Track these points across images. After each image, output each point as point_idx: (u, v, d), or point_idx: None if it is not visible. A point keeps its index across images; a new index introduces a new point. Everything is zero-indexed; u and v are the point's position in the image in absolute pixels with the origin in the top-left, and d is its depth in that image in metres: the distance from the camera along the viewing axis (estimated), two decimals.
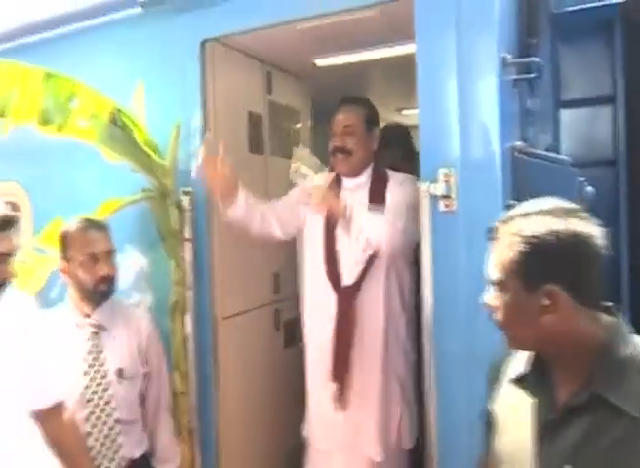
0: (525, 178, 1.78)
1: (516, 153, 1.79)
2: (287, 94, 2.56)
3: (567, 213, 0.93)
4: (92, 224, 1.74)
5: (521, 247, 0.92)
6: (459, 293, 1.61)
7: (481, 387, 1.13)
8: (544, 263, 0.92)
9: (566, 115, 2.30)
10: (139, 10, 2.09)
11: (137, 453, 1.74)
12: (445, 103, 1.63)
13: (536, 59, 1.81)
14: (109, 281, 1.72)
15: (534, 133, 2.04)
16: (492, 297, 1.00)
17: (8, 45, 2.37)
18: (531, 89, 2.03)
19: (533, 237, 0.91)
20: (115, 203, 1.90)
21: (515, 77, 1.80)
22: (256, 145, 2.34)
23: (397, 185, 1.98)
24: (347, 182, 2.04)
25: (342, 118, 1.99)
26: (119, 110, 1.87)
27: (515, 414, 1.00)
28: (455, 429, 1.62)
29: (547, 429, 0.93)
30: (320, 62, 2.43)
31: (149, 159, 1.91)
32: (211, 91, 2.06)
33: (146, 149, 1.90)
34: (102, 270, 1.69)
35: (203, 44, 2.01)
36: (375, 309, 1.94)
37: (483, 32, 1.59)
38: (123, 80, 2.08)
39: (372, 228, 1.84)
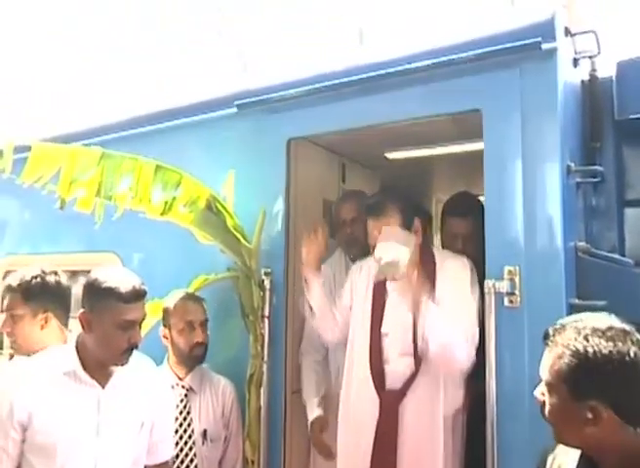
0: (588, 278, 1.87)
1: (579, 253, 1.89)
2: (359, 183, 2.77)
3: (619, 334, 0.96)
4: (191, 297, 2.06)
5: (570, 360, 0.97)
6: (522, 388, 1.67)
7: None
8: (590, 381, 0.95)
9: (631, 214, 2.37)
10: (234, 110, 2.38)
11: None
12: (510, 204, 1.76)
13: (599, 168, 1.94)
14: (202, 347, 1.98)
15: (598, 232, 2.11)
16: (541, 392, 1.07)
17: (115, 135, 2.71)
18: (594, 190, 2.14)
19: (582, 354, 0.96)
20: (204, 279, 2.12)
21: (579, 180, 1.94)
22: (330, 230, 2.54)
23: (457, 270, 1.92)
24: None
25: (376, 228, 1.90)
26: (214, 197, 2.12)
27: None
28: None
29: None
30: (390, 155, 2.64)
31: (237, 242, 2.13)
32: (293, 181, 2.29)
33: (235, 233, 2.12)
34: (198, 337, 2.00)
35: (289, 141, 2.27)
36: (425, 419, 1.83)
37: (547, 141, 1.73)
38: (215, 170, 2.34)
39: (447, 336, 1.76)
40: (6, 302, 1.86)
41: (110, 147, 2.05)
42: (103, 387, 1.60)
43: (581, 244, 1.91)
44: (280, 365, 2.15)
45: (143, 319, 1.63)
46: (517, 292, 1.73)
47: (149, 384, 1.71)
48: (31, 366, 1.64)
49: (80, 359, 1.59)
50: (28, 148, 1.91)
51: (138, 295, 1.59)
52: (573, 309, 1.73)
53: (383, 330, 1.92)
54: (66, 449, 1.53)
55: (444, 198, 3.39)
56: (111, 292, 1.57)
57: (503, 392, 1.71)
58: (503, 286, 1.74)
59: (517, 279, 1.73)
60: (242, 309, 2.15)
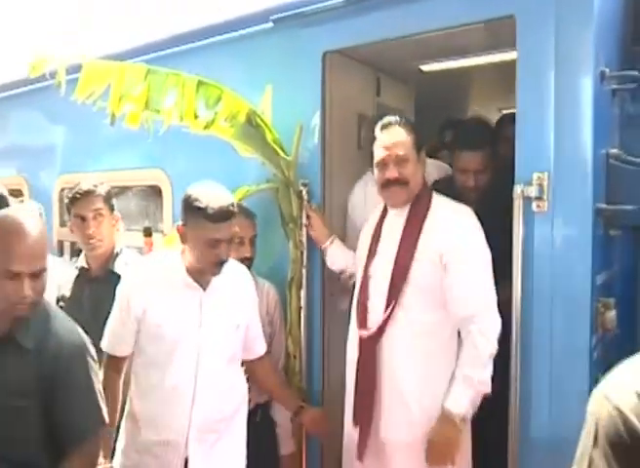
0: (618, 184, 1.91)
1: (611, 160, 1.92)
2: (393, 96, 2.80)
3: None
4: (242, 212, 2.15)
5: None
6: (546, 290, 1.77)
7: None
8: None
9: None
10: (270, 25, 2.41)
11: (262, 399, 2.18)
12: (542, 110, 1.78)
13: (632, 73, 1.92)
14: (249, 261, 2.19)
15: (635, 139, 2.07)
16: None
17: (155, 54, 2.79)
18: (633, 97, 2.11)
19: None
20: (247, 190, 2.26)
21: (615, 87, 1.93)
22: (365, 144, 2.61)
23: (459, 225, 1.87)
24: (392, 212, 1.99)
25: (393, 145, 1.90)
26: (254, 112, 2.21)
27: None
28: None
29: None
30: (425, 68, 2.65)
31: (276, 154, 2.24)
32: (328, 95, 2.35)
33: (274, 146, 2.23)
34: (247, 252, 2.20)
35: (324, 55, 2.30)
36: (403, 359, 1.85)
37: (582, 46, 1.73)
38: (253, 85, 2.41)
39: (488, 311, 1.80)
40: (92, 205, 2.19)
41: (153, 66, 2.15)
42: (205, 290, 1.82)
43: (614, 150, 1.93)
44: (317, 269, 2.31)
45: (233, 237, 1.79)
46: (545, 197, 1.79)
47: (243, 289, 1.94)
48: (146, 269, 1.91)
49: (185, 265, 1.81)
50: (80, 67, 2.02)
51: (224, 216, 1.72)
52: (600, 214, 1.80)
53: (370, 271, 1.95)
54: (174, 338, 1.78)
55: (480, 111, 3.39)
56: (200, 211, 1.72)
57: (527, 293, 1.80)
58: (532, 191, 1.80)
59: (546, 184, 1.79)
60: (282, 218, 2.30)
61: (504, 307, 1.84)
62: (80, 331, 1.57)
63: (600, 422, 0.72)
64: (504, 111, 3.77)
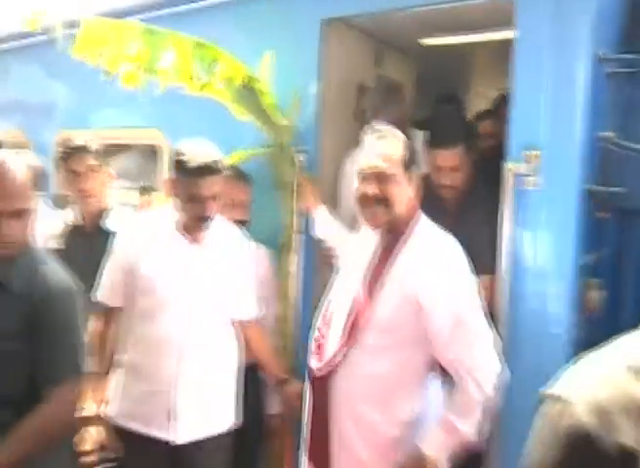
0: (610, 167, 1.92)
1: (604, 143, 1.93)
2: (394, 68, 2.79)
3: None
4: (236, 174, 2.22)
5: None
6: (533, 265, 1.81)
7: None
8: None
9: None
10: None
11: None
12: (536, 89, 1.80)
13: (629, 56, 1.91)
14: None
15: (631, 124, 2.04)
16: None
17: (155, 13, 2.76)
18: (630, 81, 2.11)
19: None
20: (241, 154, 2.28)
21: (612, 70, 1.92)
22: (361, 114, 2.61)
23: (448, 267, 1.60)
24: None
25: (381, 157, 1.62)
26: (250, 76, 2.21)
27: None
28: None
29: None
30: (426, 41, 2.63)
31: (272, 119, 2.25)
32: (327, 63, 2.34)
33: (271, 111, 2.24)
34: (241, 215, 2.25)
35: (323, 22, 2.29)
36: (358, 404, 1.64)
37: (579, 26, 1.74)
38: (253, 50, 2.39)
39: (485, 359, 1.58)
40: (85, 161, 2.21)
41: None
42: (195, 243, 1.86)
43: (607, 134, 1.94)
44: (309, 234, 2.34)
45: (216, 195, 1.79)
46: (535, 175, 1.82)
47: (235, 248, 1.97)
48: (139, 223, 1.98)
49: (174, 219, 1.86)
50: (77, 23, 2.01)
51: (205, 171, 1.73)
52: (589, 195, 1.82)
53: (332, 297, 1.77)
54: (164, 291, 1.83)
55: (483, 92, 3.38)
56: (182, 165, 1.75)
57: (517, 271, 1.84)
58: (522, 168, 1.82)
59: (536, 163, 1.81)
60: (274, 182, 2.32)
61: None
62: (68, 276, 1.58)
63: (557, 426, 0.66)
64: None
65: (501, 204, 1.87)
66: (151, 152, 2.94)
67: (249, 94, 2.22)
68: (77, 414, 1.60)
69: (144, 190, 2.69)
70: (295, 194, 2.31)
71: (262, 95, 2.23)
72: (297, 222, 2.33)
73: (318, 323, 1.77)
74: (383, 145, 1.63)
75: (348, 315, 1.63)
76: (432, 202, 2.07)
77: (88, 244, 2.22)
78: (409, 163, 1.64)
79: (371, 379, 1.62)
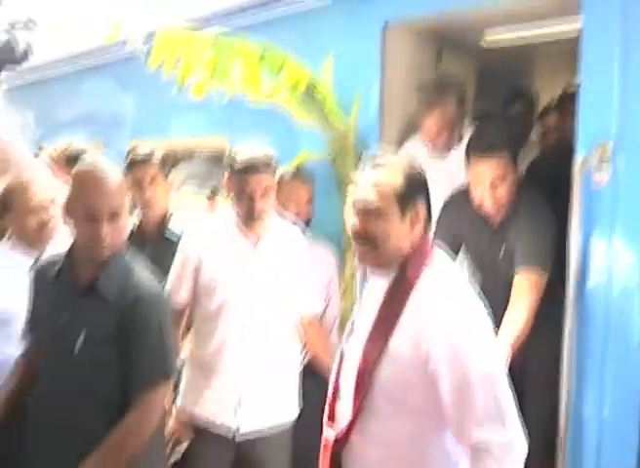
0: None
1: None
2: (455, 67, 2.78)
3: None
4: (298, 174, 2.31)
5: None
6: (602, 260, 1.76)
7: None
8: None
9: None
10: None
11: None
12: (606, 81, 1.75)
13: None
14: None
15: None
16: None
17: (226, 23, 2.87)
18: None
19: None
20: (305, 155, 2.34)
21: None
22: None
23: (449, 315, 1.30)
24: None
25: (370, 189, 1.34)
26: (313, 82, 2.27)
27: None
28: None
29: None
30: (488, 39, 2.61)
31: (335, 123, 2.30)
32: (388, 65, 2.38)
33: (333, 115, 2.29)
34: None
35: (384, 26, 2.32)
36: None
37: None
38: (315, 55, 2.44)
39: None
40: (148, 171, 2.24)
41: None
42: (254, 241, 1.93)
43: None
44: None
45: (267, 191, 1.83)
46: (606, 168, 1.77)
47: (293, 245, 2.02)
48: (203, 224, 2.08)
49: (233, 218, 1.94)
50: (153, 36, 2.14)
51: (254, 167, 1.81)
52: None
53: (345, 352, 1.48)
54: (225, 289, 1.90)
55: (546, 87, 3.31)
56: (233, 163, 1.85)
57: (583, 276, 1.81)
58: (593, 162, 1.78)
59: (607, 156, 1.77)
60: (338, 185, 2.37)
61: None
62: (157, 281, 1.61)
63: None
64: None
65: (571, 200, 1.83)
66: (218, 158, 3.05)
67: (312, 98, 2.29)
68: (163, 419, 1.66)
69: (211, 194, 2.79)
70: None
71: (325, 99, 2.29)
72: None
73: (332, 379, 1.51)
74: (375, 175, 1.35)
75: (356, 375, 1.37)
76: (471, 216, 2.02)
77: (149, 251, 2.19)
78: (407, 195, 1.33)
79: (386, 449, 1.37)
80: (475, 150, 1.93)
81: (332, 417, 1.46)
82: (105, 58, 3.61)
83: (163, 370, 1.57)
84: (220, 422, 1.92)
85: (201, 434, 1.96)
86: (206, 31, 2.23)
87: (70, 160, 2.59)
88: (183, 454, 2.00)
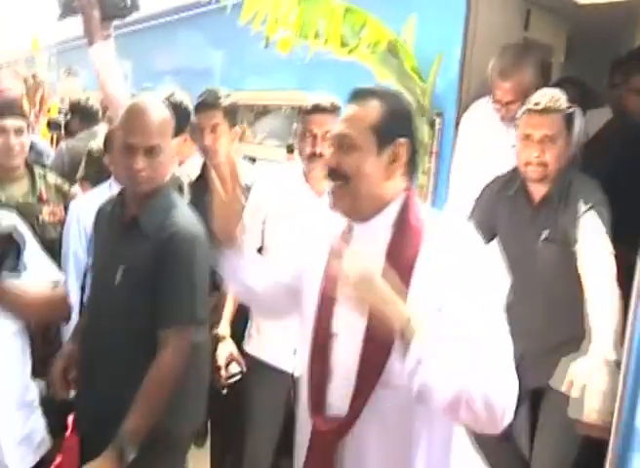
0: None
1: None
2: (543, 30, 2.69)
3: None
4: None
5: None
6: None
7: None
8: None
9: None
10: None
11: None
12: None
13: None
14: None
15: None
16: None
17: None
18: None
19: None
20: None
21: None
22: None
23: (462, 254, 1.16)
24: (358, 228, 1.28)
25: (344, 121, 1.25)
26: (395, 40, 2.30)
27: None
28: None
29: None
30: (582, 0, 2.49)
31: (414, 82, 2.32)
32: (472, 25, 2.34)
33: (412, 74, 2.31)
34: None
35: None
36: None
37: None
38: (398, 14, 2.45)
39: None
40: (211, 118, 2.21)
41: None
42: (320, 194, 1.99)
43: None
44: (443, 199, 2.41)
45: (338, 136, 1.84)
46: None
47: None
48: (272, 174, 2.22)
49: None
50: None
51: (318, 109, 1.94)
52: None
53: (333, 327, 1.24)
54: (289, 238, 1.77)
55: None
56: (300, 109, 2.02)
57: None
58: None
59: None
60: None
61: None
62: (197, 222, 1.61)
63: None
64: None
65: None
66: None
67: (392, 57, 2.32)
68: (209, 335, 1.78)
69: (290, 148, 2.91)
70: (431, 156, 2.39)
71: (406, 58, 2.32)
72: (432, 183, 2.41)
73: (306, 356, 1.29)
74: (354, 106, 1.24)
75: (362, 355, 1.18)
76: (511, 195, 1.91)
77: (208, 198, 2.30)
78: (386, 130, 1.19)
79: (388, 441, 1.20)
80: (529, 106, 1.86)
81: (320, 407, 1.24)
82: (198, 12, 3.77)
83: (190, 312, 1.56)
84: (280, 366, 2.08)
85: (259, 368, 2.12)
86: None
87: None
88: (238, 388, 2.11)
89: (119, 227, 1.65)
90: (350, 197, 1.22)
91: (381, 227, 1.23)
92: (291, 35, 2.24)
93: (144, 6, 3.92)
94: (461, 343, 1.04)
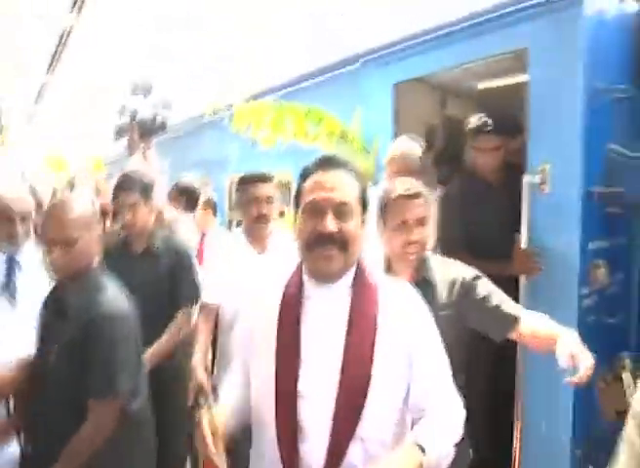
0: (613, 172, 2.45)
1: (611, 153, 2.46)
2: (458, 110, 3.55)
3: None
4: None
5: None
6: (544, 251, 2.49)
7: None
8: None
9: None
10: (357, 65, 3.37)
11: None
12: (555, 118, 2.39)
13: (620, 86, 2.46)
14: None
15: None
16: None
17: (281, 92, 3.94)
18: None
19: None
20: None
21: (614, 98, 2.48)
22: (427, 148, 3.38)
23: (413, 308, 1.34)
24: (319, 289, 1.32)
25: (336, 188, 1.30)
26: (344, 130, 3.20)
27: None
28: None
29: None
30: (480, 86, 3.37)
31: (361, 159, 3.19)
32: (401, 113, 3.20)
33: (359, 154, 3.18)
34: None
35: (395, 84, 3.18)
36: None
37: (574, 64, 2.30)
38: (347, 109, 3.36)
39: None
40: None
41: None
42: (260, 251, 2.49)
43: (613, 146, 2.48)
44: None
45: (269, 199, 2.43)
46: (546, 182, 2.44)
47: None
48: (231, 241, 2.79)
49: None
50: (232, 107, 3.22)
51: (256, 179, 2.45)
52: (591, 196, 2.38)
53: (300, 387, 1.25)
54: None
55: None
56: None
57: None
58: (537, 178, 2.43)
59: (547, 171, 2.40)
60: None
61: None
62: (125, 304, 1.76)
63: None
64: None
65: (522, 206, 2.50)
66: (284, 186, 4.06)
67: (344, 142, 3.20)
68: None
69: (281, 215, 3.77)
70: None
71: (354, 141, 3.19)
72: None
73: (271, 417, 1.27)
74: (335, 174, 1.31)
75: (337, 403, 1.22)
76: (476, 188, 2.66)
77: (132, 263, 2.48)
78: (366, 200, 1.33)
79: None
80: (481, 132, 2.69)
81: (295, 465, 1.23)
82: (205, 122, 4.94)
83: (109, 386, 1.66)
84: None
85: None
86: (267, 99, 3.25)
87: (181, 192, 3.74)
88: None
89: (52, 308, 1.82)
90: (345, 260, 1.28)
91: (343, 287, 1.30)
92: (269, 134, 3.15)
93: (175, 116, 5.15)
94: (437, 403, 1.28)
